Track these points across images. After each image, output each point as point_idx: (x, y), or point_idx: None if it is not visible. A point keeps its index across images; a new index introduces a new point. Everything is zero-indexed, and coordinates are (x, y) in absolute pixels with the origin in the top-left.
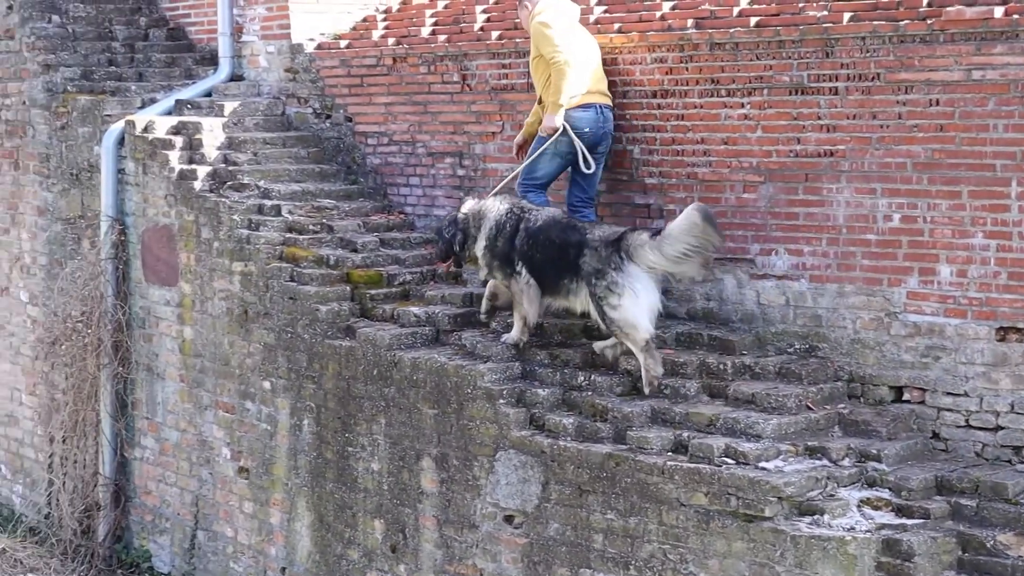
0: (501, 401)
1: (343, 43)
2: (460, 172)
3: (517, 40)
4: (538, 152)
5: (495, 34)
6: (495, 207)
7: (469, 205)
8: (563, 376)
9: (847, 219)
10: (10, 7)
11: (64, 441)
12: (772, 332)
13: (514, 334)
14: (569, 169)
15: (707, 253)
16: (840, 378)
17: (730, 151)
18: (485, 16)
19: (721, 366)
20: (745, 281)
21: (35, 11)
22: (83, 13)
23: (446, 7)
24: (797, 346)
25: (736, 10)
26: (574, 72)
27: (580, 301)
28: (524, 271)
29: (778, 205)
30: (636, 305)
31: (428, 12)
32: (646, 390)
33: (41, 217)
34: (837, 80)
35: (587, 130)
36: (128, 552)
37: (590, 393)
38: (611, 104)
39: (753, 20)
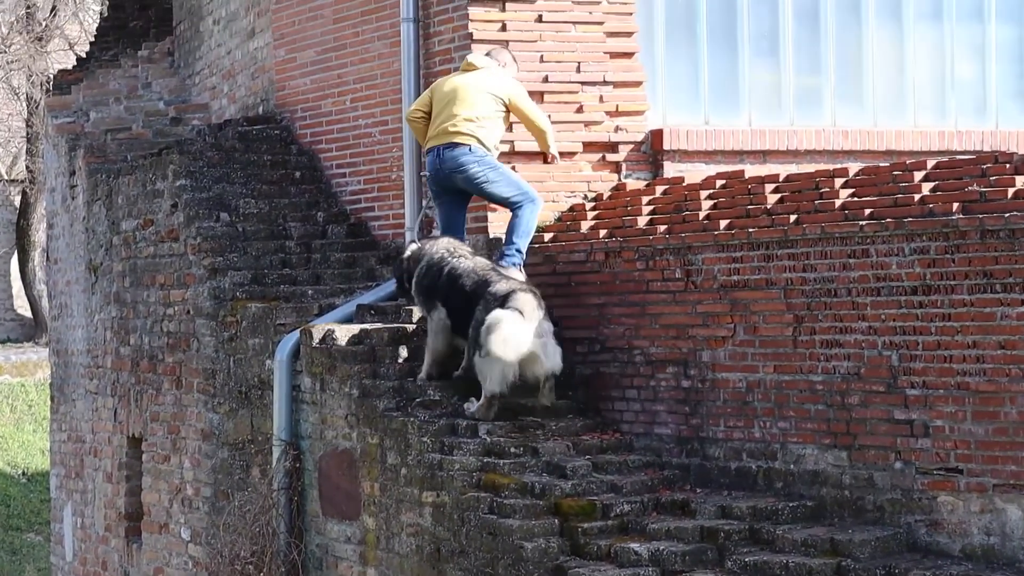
0: None
1: (547, 236)
2: (685, 383)
3: (750, 230)
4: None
5: (723, 223)
6: (431, 249)
7: (412, 248)
8: None
9: None
10: (174, 205)
11: None
12: None
13: (424, 368)
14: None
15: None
16: None
17: (1008, 356)
18: (711, 203)
19: None
20: None
21: (202, 209)
22: (254, 210)
23: (665, 193)
24: None
25: (1011, 191)
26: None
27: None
28: (442, 309)
29: None
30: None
31: (645, 199)
32: (464, 408)
33: (205, 442)
34: None
35: (428, 173)
36: None
37: None
38: (453, 142)
39: None
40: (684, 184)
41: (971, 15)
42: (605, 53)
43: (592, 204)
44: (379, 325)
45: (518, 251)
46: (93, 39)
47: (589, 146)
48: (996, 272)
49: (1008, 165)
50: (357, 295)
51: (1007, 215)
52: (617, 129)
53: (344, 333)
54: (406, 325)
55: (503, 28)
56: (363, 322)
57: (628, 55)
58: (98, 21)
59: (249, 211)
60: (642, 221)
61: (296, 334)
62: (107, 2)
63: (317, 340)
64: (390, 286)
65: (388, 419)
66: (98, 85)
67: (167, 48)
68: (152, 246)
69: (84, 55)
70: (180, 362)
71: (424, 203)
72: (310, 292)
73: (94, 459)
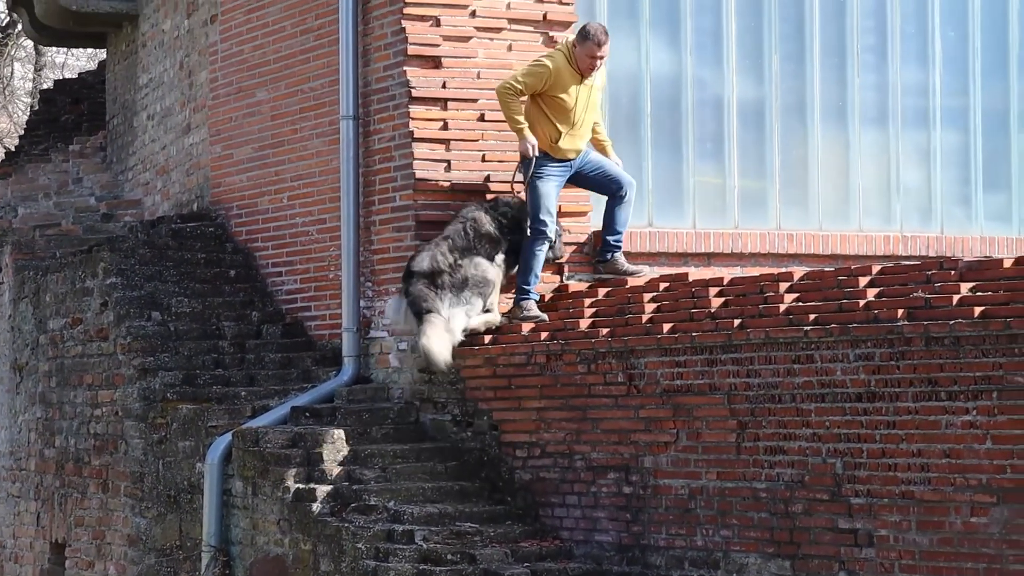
0: None
1: (487, 338)
2: (627, 489)
3: (693, 334)
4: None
5: (667, 327)
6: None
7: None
8: None
9: None
10: (104, 304)
11: None
12: None
13: None
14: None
15: None
16: None
17: (953, 466)
18: (655, 306)
19: None
20: None
21: (132, 308)
22: (187, 309)
23: (608, 295)
24: None
25: (956, 298)
26: None
27: None
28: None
29: (1016, 532)
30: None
31: (587, 302)
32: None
33: (132, 547)
34: None
35: None
36: None
37: None
38: None
39: (977, 310)
40: (627, 286)
41: (916, 121)
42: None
43: None
44: (314, 427)
45: (523, 288)
46: (23, 132)
47: None
48: (941, 379)
49: (953, 272)
50: (292, 397)
51: (952, 322)
52: None
53: (278, 435)
54: (343, 428)
55: (444, 127)
56: (298, 424)
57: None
58: (28, 114)
59: (182, 310)
60: (584, 324)
61: (228, 436)
62: (38, 95)
63: (250, 442)
64: (327, 387)
65: (322, 524)
66: (27, 180)
67: (99, 143)
68: (80, 345)
69: (13, 149)
70: (107, 465)
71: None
72: (243, 393)
73: (15, 565)
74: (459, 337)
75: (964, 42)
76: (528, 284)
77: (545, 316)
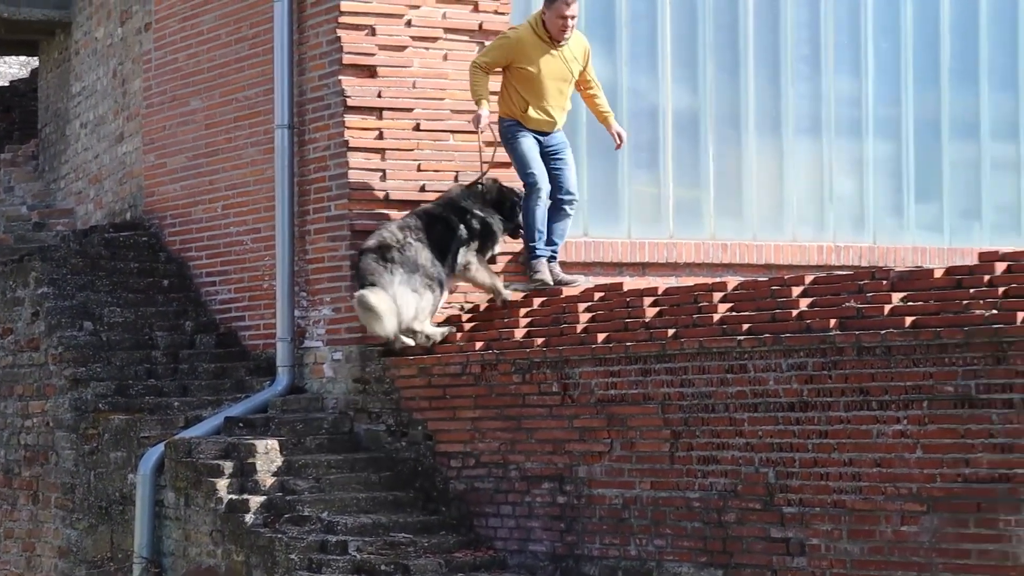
0: None
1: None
2: (561, 499)
3: (627, 343)
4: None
5: (601, 336)
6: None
7: None
8: None
9: None
10: (35, 314)
11: None
12: None
13: None
14: None
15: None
16: None
17: (884, 475)
18: (589, 316)
19: None
20: None
21: (64, 318)
22: (120, 319)
23: (543, 305)
24: None
25: (887, 308)
26: None
27: None
28: None
29: (945, 540)
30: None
31: (522, 311)
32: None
33: (62, 560)
34: (1012, 391)
35: None
36: None
37: None
38: None
39: (908, 320)
40: (562, 296)
41: (849, 131)
42: (484, 162)
43: (469, 315)
44: (248, 438)
45: (530, 247)
46: None
47: None
48: (872, 389)
49: (885, 282)
50: (225, 407)
51: (883, 332)
52: None
53: (211, 446)
54: (276, 438)
55: (380, 136)
56: (231, 435)
57: (506, 165)
58: None
59: (114, 320)
60: (519, 333)
61: (160, 447)
62: None
63: (182, 453)
64: (260, 397)
65: (255, 535)
66: None
67: (31, 151)
68: (11, 355)
69: None
70: (37, 476)
71: None
72: (176, 404)
73: None
74: (409, 320)
75: (896, 53)
76: (534, 241)
77: (551, 282)
